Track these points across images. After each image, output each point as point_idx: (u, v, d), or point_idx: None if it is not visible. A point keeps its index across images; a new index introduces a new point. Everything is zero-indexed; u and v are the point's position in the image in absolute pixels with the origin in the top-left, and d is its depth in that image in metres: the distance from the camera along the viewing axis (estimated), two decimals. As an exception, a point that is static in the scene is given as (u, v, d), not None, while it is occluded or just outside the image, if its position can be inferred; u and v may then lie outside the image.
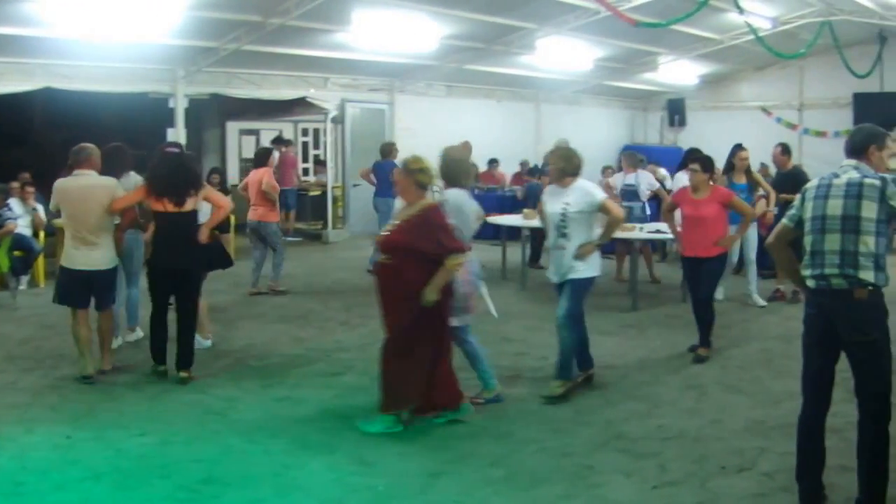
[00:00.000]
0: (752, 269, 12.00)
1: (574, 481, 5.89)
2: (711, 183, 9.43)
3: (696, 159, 9.54)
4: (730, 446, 6.47)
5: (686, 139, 23.39)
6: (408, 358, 6.75)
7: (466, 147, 14.82)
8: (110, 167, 8.36)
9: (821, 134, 22.16)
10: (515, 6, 15.82)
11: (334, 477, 5.93)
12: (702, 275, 9.22)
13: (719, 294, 11.19)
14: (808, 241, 5.35)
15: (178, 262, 8.06)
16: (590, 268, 7.75)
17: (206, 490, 5.68)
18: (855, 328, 5.19)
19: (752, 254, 11.85)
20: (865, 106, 21.09)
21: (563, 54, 18.63)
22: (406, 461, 6.22)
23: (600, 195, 7.71)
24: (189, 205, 8.03)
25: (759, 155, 20.57)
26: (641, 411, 7.32)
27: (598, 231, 7.82)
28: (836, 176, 5.28)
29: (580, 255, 7.60)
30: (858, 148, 5.34)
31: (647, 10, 15.64)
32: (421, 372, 6.77)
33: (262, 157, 13.06)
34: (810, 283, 5.35)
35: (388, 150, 15.62)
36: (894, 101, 20.95)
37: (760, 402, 7.56)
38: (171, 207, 7.95)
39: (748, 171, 11.81)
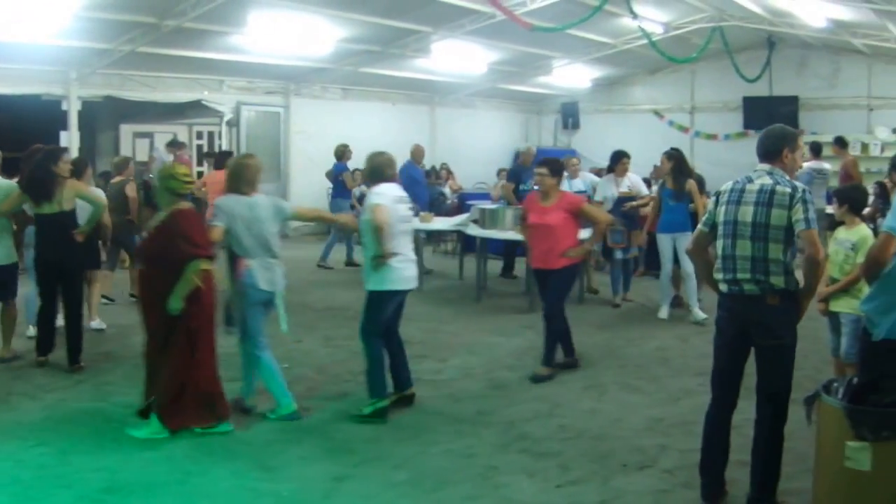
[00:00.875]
0: (692, 283, 10.88)
1: (479, 482, 5.92)
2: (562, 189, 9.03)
3: (543, 162, 8.88)
4: (631, 444, 6.57)
5: (580, 142, 23.75)
6: (159, 363, 6.69)
7: (419, 150, 15.01)
8: None
9: (712, 137, 22.64)
10: (411, 9, 15.84)
11: (238, 483, 5.86)
12: (549, 288, 8.61)
13: (663, 314, 11.25)
14: (719, 245, 5.44)
15: (58, 259, 8.43)
16: (374, 281, 7.16)
17: (108, 499, 5.57)
18: (767, 332, 5.29)
19: (688, 266, 10.52)
20: (755, 109, 21.63)
21: (458, 58, 18.75)
22: (309, 466, 6.18)
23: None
24: (63, 205, 8.41)
25: (653, 157, 21.03)
26: (543, 412, 7.38)
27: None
28: (750, 181, 5.37)
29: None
30: (772, 151, 5.41)
31: (543, 15, 15.78)
32: (170, 379, 6.64)
33: (221, 160, 12.86)
34: (723, 287, 5.44)
35: (340, 152, 15.87)
36: (783, 104, 21.49)
37: (659, 401, 7.71)
38: (46, 208, 8.34)
39: (677, 178, 11.01)
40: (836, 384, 4.84)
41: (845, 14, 16.36)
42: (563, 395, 7.86)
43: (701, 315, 10.77)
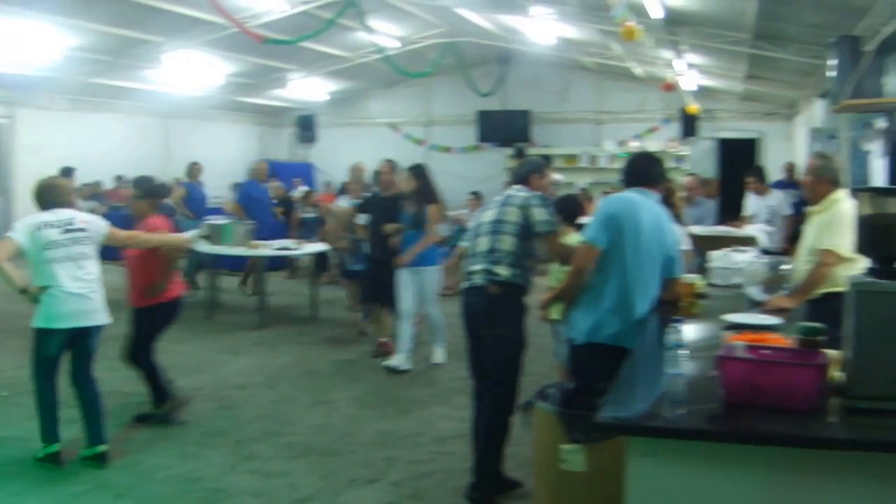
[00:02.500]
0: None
1: (203, 506, 5.71)
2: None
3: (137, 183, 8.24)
4: (359, 459, 6.52)
5: (317, 155, 23.68)
6: None
7: (261, 168, 13.96)
8: None
9: (447, 150, 23.07)
10: (142, 19, 15.26)
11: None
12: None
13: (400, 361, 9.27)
14: (471, 246, 5.85)
15: None
16: (35, 317, 6.26)
17: None
18: (485, 320, 5.64)
19: (433, 308, 9.34)
20: (488, 123, 22.22)
21: (192, 69, 18.24)
22: (25, 500, 5.77)
23: None
24: None
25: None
26: (272, 430, 7.20)
27: None
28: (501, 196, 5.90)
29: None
30: (522, 177, 6.00)
31: (277, 27, 15.60)
32: None
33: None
34: (463, 283, 5.81)
35: (191, 171, 15.25)
36: (516, 118, 22.27)
37: (389, 414, 7.68)
38: None
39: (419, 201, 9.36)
40: (550, 389, 4.96)
41: (573, 33, 16.99)
42: (292, 413, 7.71)
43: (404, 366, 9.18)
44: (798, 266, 6.05)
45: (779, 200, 10.94)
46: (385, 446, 6.80)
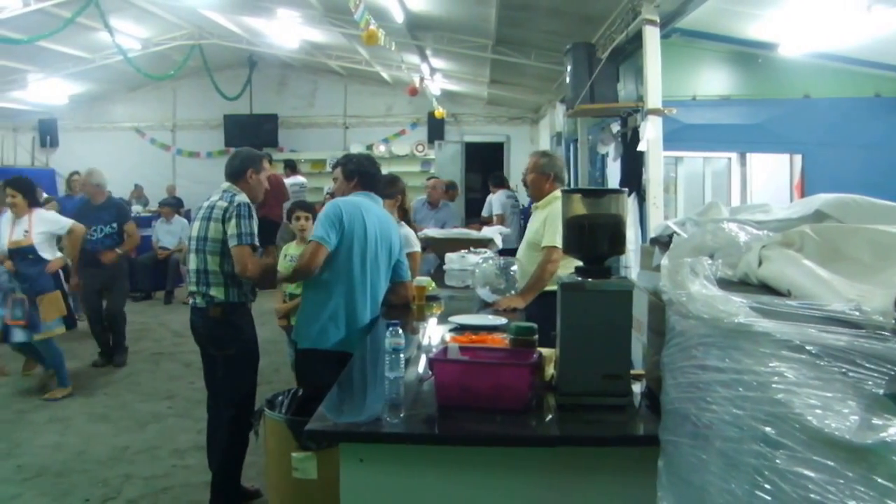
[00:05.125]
0: None
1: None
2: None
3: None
4: (95, 477, 6.26)
5: (59, 160, 22.60)
6: None
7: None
8: None
9: (194, 154, 22.56)
10: None
11: None
12: None
13: None
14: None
15: None
16: None
17: None
18: (212, 342, 5.45)
19: None
20: (236, 127, 21.86)
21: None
22: None
23: None
24: None
25: (133, 176, 20.73)
26: (0, 452, 6.83)
27: None
28: (209, 199, 5.49)
29: None
30: (236, 172, 5.55)
31: (12, 25, 14.84)
32: None
33: None
34: (188, 300, 5.58)
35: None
36: (263, 122, 22.04)
37: (126, 428, 7.44)
38: None
39: None
40: (280, 398, 4.92)
41: (319, 36, 16.98)
42: (23, 433, 7.34)
43: None
44: (519, 260, 6.28)
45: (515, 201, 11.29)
46: (121, 462, 6.57)
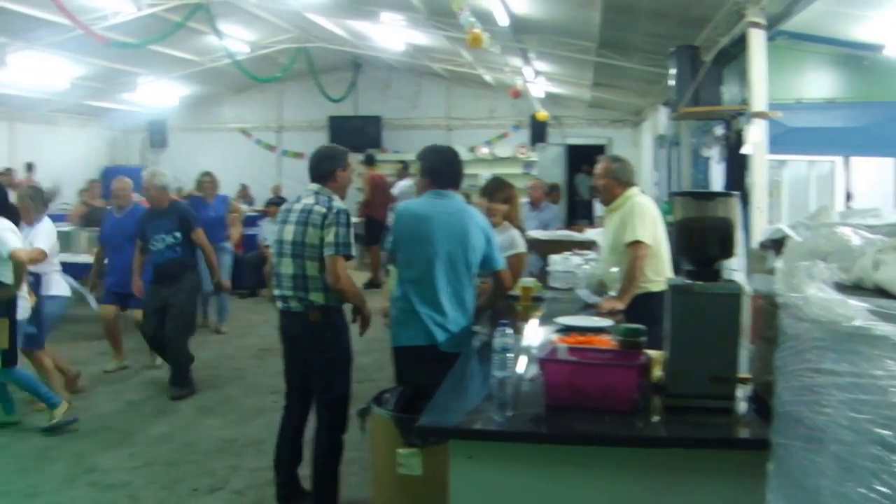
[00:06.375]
0: None
1: (38, 523, 5.53)
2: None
3: None
4: (202, 468, 6.42)
5: (168, 160, 23.12)
6: None
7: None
8: None
9: (298, 155, 22.83)
10: (-15, 20, 14.72)
11: None
12: None
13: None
14: (275, 262, 5.52)
15: None
16: None
17: None
18: (311, 346, 5.45)
19: None
20: (340, 128, 22.11)
21: (37, 71, 17.65)
22: None
23: None
24: None
25: (239, 176, 21.04)
26: (113, 441, 7.04)
27: None
28: (298, 200, 5.47)
29: None
30: (326, 173, 5.50)
31: (124, 29, 15.19)
32: None
33: None
34: (279, 303, 5.54)
35: None
36: (367, 124, 22.29)
37: (232, 422, 7.61)
38: None
39: None
40: (386, 394, 4.97)
41: (423, 40, 17.08)
42: (134, 423, 7.55)
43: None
44: (604, 266, 6.28)
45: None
46: (228, 454, 6.73)
